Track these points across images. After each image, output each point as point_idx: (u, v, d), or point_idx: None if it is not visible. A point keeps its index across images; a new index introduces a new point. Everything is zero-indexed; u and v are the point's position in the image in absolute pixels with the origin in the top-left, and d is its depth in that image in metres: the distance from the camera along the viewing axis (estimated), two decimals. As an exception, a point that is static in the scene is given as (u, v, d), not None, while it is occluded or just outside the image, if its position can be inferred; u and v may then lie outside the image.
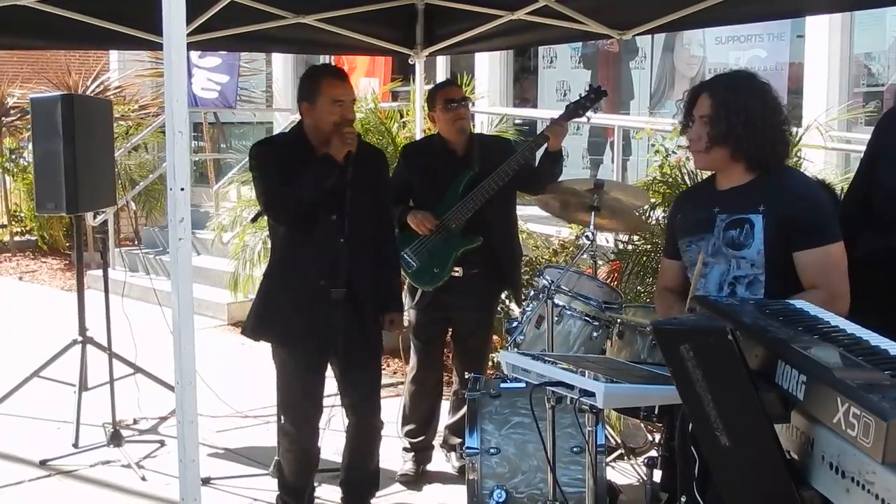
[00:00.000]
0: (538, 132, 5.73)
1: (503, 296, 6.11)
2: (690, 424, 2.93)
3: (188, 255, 2.94)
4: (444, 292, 5.32)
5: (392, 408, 5.31)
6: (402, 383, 6.05)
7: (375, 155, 4.79)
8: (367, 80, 11.01)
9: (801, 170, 5.22)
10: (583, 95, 5.43)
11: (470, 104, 5.74)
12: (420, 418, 5.57)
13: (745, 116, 3.39)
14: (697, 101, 3.51)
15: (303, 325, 4.45)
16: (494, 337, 6.16)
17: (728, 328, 2.25)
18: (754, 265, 3.39)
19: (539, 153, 5.47)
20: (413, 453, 5.54)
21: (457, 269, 5.31)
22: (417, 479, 5.46)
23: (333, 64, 4.84)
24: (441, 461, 5.66)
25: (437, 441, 5.69)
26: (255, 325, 4.59)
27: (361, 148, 4.55)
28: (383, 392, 4.76)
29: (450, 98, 5.38)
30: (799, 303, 2.77)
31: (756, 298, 3.23)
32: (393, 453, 5.47)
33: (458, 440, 5.37)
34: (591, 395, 3.00)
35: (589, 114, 5.46)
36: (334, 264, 4.41)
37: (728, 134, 3.42)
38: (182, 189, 2.88)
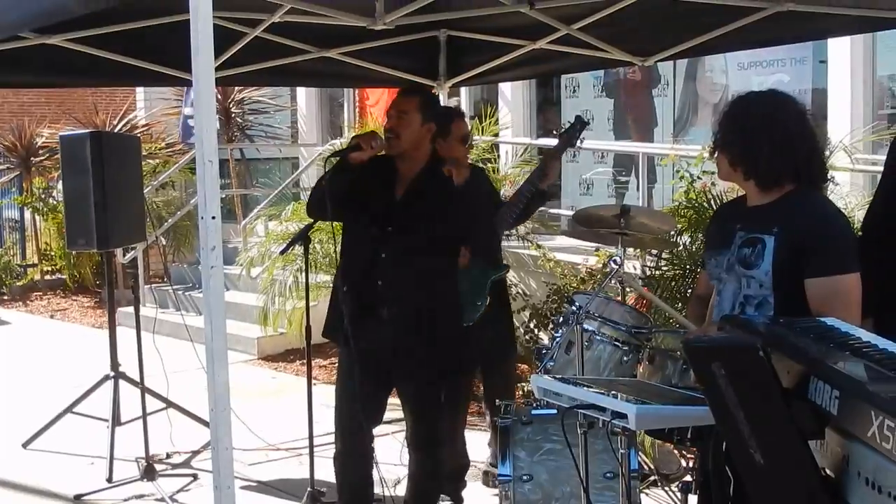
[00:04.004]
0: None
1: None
2: (724, 443, 2.92)
3: (220, 283, 2.97)
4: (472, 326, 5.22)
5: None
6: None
7: (451, 176, 4.63)
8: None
9: (828, 192, 5.20)
10: (567, 129, 5.50)
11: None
12: (453, 460, 5.50)
13: (740, 123, 3.41)
14: None
15: (355, 335, 4.48)
16: (524, 365, 6.18)
17: (759, 345, 2.25)
18: (763, 286, 3.35)
19: None
20: (448, 499, 5.43)
21: None
22: None
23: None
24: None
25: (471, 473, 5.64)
26: (325, 324, 4.74)
27: (438, 170, 4.58)
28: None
29: (466, 135, 5.42)
30: (830, 320, 2.77)
31: (786, 317, 3.21)
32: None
33: None
34: (624, 416, 2.99)
35: (577, 143, 5.52)
36: (373, 279, 4.45)
37: (724, 140, 3.46)
38: (213, 218, 2.91)
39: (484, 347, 5.35)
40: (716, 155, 3.54)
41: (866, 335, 2.59)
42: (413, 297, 4.44)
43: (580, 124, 5.47)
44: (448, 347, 4.61)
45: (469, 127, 5.60)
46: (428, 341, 4.49)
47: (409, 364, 4.50)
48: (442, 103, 7.13)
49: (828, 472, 2.33)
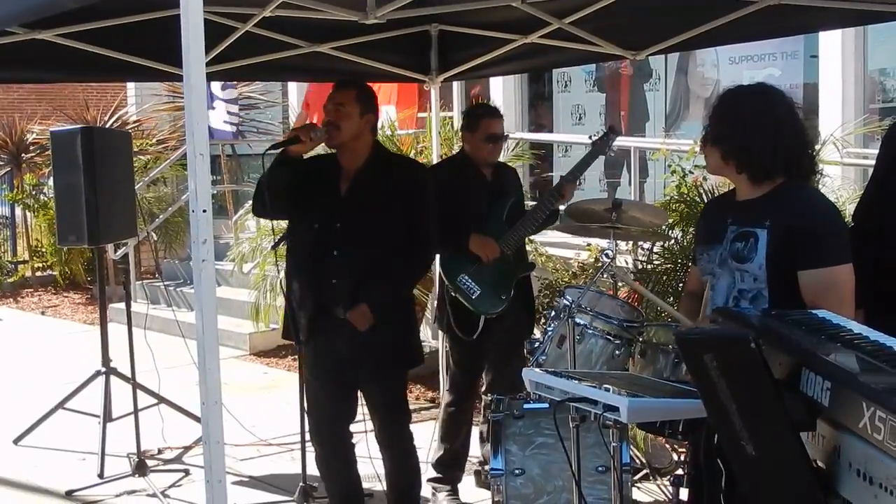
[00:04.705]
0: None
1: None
2: (716, 436, 2.92)
3: (212, 276, 2.96)
4: (490, 319, 5.33)
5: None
6: (425, 409, 6.02)
7: (401, 170, 4.66)
8: (384, 108, 10.96)
9: (819, 185, 5.21)
10: (601, 136, 5.63)
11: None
12: (454, 450, 5.54)
13: (732, 117, 3.42)
14: None
15: (311, 335, 4.49)
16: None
17: (751, 336, 2.25)
18: (757, 279, 3.36)
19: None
20: (447, 487, 5.49)
21: None
22: None
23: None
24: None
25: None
26: (283, 327, 4.70)
27: (381, 161, 4.55)
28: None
29: (493, 134, 5.49)
30: (821, 312, 2.77)
31: (778, 309, 3.21)
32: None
33: None
34: (615, 409, 2.99)
35: (609, 151, 5.71)
36: (327, 278, 4.40)
37: (715, 134, 3.47)
38: (204, 211, 2.90)
39: (498, 340, 5.41)
40: (705, 149, 3.54)
41: (857, 327, 2.60)
42: (368, 294, 4.39)
43: (613, 133, 5.66)
44: (408, 342, 4.62)
45: (503, 127, 5.64)
46: (386, 338, 4.44)
47: (370, 362, 4.47)
48: (433, 98, 7.20)
49: (819, 463, 2.33)
